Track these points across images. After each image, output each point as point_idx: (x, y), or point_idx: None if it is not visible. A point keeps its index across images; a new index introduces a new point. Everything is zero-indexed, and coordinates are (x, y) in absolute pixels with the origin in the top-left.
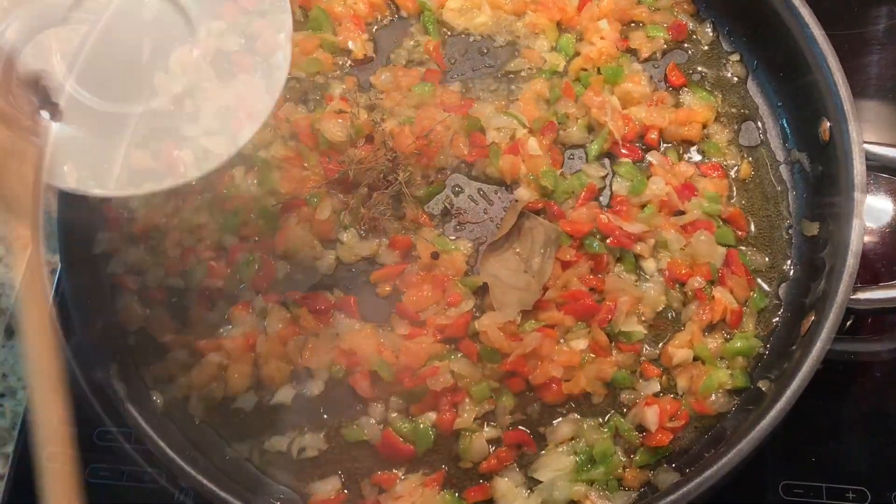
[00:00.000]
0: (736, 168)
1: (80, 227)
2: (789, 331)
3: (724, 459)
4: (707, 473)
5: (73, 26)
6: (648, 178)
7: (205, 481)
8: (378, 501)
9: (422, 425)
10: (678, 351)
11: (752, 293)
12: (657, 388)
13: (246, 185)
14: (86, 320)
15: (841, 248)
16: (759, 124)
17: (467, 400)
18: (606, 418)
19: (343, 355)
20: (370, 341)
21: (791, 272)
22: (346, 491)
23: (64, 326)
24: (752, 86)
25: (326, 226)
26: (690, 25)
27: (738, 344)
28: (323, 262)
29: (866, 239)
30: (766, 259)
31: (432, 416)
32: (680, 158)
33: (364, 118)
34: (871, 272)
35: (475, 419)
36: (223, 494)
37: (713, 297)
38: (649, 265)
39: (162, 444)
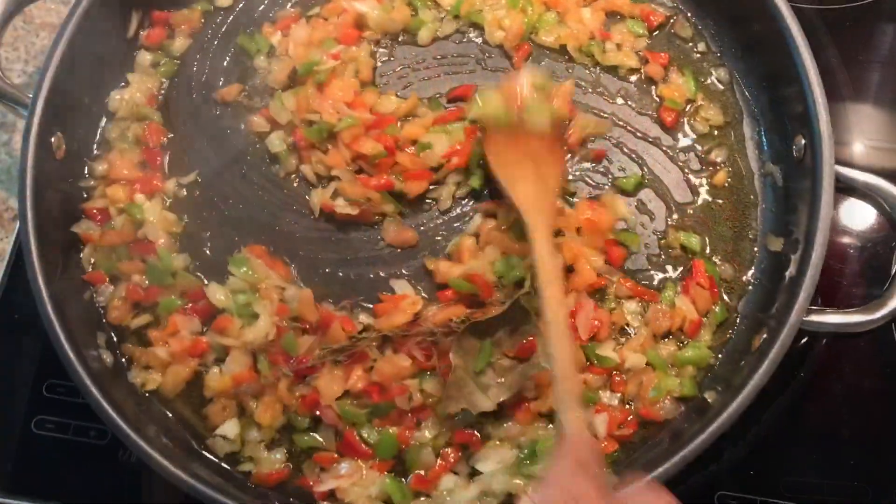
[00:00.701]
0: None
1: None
2: (743, 344)
3: (660, 470)
4: (643, 481)
5: None
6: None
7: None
8: (320, 480)
9: (387, 437)
10: (631, 355)
11: (714, 306)
12: (616, 402)
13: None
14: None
15: (802, 268)
16: (741, 134)
17: (431, 418)
18: (553, 416)
19: (303, 401)
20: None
21: (750, 286)
22: (289, 465)
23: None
24: (736, 89)
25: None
26: (675, 19)
27: (689, 353)
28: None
29: (835, 259)
30: (731, 270)
31: (393, 430)
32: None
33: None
34: (836, 293)
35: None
36: (166, 464)
37: (674, 304)
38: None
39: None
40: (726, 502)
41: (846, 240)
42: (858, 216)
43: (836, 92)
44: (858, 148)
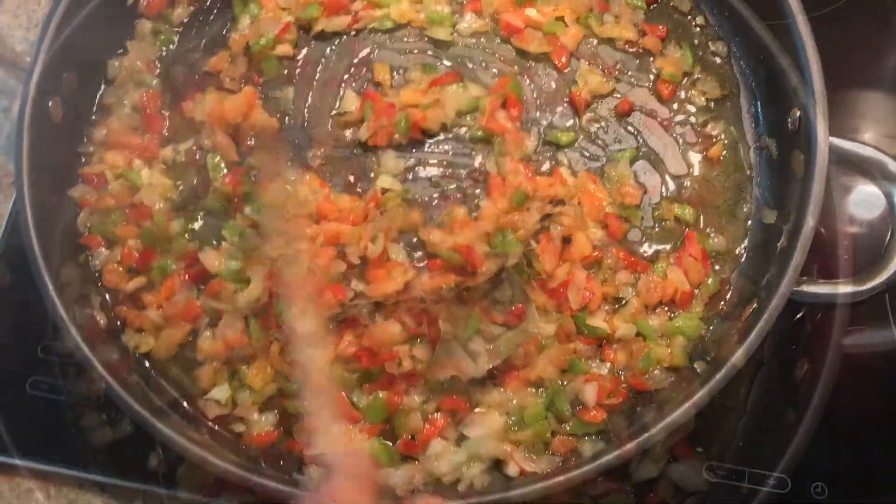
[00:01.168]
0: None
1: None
2: (734, 315)
3: (647, 435)
4: (630, 446)
5: None
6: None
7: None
8: (309, 443)
9: (376, 402)
10: (622, 325)
11: (706, 278)
12: (605, 372)
13: None
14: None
15: (793, 238)
16: (737, 107)
17: (421, 383)
18: (541, 383)
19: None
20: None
21: (743, 259)
22: (280, 428)
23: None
24: (733, 61)
25: None
26: None
27: (680, 323)
28: None
29: (830, 234)
30: (725, 242)
31: (382, 394)
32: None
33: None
34: (831, 268)
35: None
36: (158, 425)
37: (666, 276)
38: None
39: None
40: (715, 472)
41: (841, 214)
42: (854, 189)
43: (847, 79)
44: (869, 136)
